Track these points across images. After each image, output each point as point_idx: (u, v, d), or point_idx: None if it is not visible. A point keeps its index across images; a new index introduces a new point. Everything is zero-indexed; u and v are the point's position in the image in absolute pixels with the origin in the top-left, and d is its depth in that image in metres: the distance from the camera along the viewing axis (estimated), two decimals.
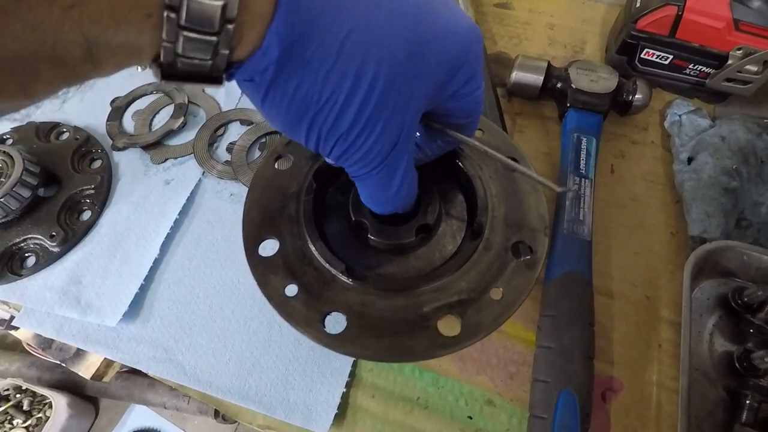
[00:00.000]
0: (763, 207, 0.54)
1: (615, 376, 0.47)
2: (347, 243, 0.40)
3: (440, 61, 0.26)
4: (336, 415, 0.45)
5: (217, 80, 0.23)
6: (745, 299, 0.47)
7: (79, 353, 0.54)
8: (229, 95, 0.66)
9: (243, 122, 0.64)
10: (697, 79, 0.62)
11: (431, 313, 0.33)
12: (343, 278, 0.34)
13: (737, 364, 0.45)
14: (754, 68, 0.57)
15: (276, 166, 0.42)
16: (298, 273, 0.34)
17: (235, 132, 0.64)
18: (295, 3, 0.21)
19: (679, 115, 0.60)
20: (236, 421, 0.47)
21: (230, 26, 0.20)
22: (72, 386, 1.31)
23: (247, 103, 0.65)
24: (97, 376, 0.54)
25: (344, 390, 0.46)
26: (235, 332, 0.50)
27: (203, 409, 1.26)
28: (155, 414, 1.38)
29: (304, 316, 0.32)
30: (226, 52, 0.21)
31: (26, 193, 0.54)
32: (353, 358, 0.47)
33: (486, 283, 0.34)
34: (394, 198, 0.32)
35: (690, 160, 0.57)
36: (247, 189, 0.41)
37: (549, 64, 0.62)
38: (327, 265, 0.34)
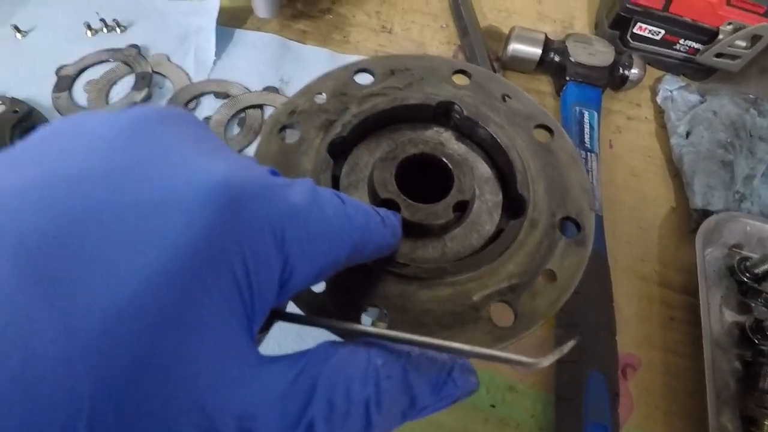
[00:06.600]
0: (755, 179, 0.55)
1: (633, 353, 0.46)
2: None
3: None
4: None
5: None
6: (754, 271, 0.47)
7: None
8: (199, 64, 0.58)
9: (218, 95, 0.57)
10: (685, 55, 0.62)
11: (481, 303, 0.29)
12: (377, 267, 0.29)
13: (750, 334, 0.45)
14: (743, 43, 0.57)
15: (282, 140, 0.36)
16: None
17: (209, 106, 0.57)
18: None
19: (671, 91, 0.61)
20: None
21: None
22: None
23: (221, 74, 0.58)
24: None
25: None
26: None
27: None
28: None
29: (338, 317, 0.27)
30: None
31: None
32: None
33: (536, 265, 0.30)
34: None
35: (687, 134, 0.57)
36: None
37: (546, 37, 0.60)
38: None
